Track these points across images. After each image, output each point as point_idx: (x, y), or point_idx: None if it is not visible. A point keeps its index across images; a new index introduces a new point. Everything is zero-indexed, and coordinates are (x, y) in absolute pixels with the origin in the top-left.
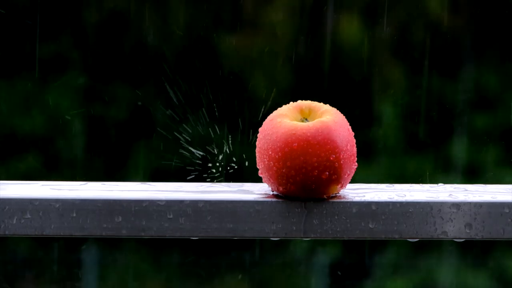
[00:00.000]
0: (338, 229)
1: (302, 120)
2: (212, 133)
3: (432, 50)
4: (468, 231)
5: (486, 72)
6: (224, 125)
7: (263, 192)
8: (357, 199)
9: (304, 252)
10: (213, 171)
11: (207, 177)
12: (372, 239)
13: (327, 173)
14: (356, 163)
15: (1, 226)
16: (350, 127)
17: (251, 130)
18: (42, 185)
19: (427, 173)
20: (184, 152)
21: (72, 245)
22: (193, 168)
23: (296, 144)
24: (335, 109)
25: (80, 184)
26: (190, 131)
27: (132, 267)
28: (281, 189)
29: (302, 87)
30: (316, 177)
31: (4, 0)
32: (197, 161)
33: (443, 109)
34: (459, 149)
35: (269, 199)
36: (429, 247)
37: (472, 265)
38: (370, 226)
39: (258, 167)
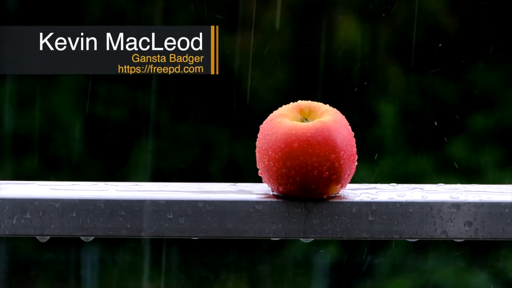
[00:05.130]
0: (338, 229)
1: (302, 120)
2: (211, 133)
3: (432, 50)
4: (468, 231)
5: (486, 72)
6: (224, 125)
7: (263, 192)
8: (357, 199)
9: (304, 252)
10: (213, 170)
11: (207, 177)
12: (372, 239)
13: (327, 173)
14: (356, 163)
15: (1, 226)
16: (350, 127)
17: (251, 130)
18: (42, 185)
19: (427, 173)
20: (184, 152)
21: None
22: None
23: (296, 144)
24: (335, 109)
25: (80, 184)
26: (190, 131)
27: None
28: (281, 189)
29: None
30: (316, 177)
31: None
32: (197, 161)
33: (443, 109)
34: (459, 149)
35: (269, 199)
36: (429, 247)
37: (472, 265)
38: (370, 226)
39: (258, 167)
